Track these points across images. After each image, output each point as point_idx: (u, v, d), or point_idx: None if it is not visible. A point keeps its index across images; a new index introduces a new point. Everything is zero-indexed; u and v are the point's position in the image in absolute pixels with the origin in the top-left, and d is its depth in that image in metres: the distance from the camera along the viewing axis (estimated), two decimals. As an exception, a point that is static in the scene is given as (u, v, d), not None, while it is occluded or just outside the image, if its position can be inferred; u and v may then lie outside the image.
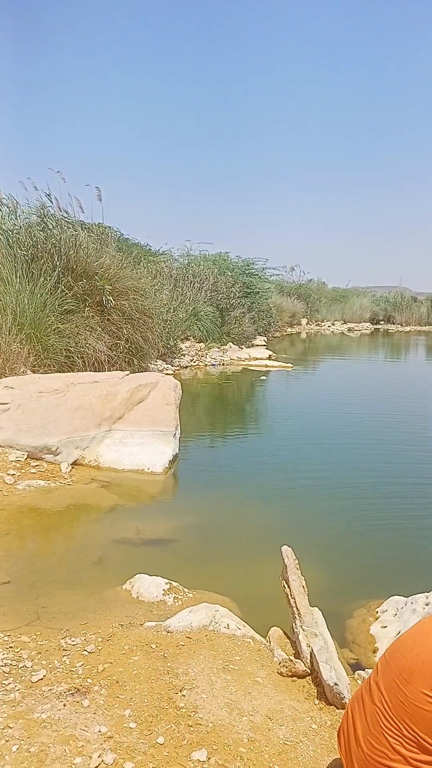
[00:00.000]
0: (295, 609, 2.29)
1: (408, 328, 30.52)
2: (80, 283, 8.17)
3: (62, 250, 8.18)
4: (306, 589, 2.38)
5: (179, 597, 2.85)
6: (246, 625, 2.50)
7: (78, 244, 8.47)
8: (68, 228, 8.57)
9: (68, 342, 7.46)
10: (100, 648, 2.29)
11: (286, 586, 2.39)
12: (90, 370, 7.32)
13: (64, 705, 1.92)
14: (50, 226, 8.42)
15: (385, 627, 2.57)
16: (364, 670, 2.30)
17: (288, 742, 1.80)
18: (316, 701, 2.02)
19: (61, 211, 9.02)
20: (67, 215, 9.10)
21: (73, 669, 2.15)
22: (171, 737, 1.77)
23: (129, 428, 5.31)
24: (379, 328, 29.91)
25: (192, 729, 1.81)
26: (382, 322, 31.98)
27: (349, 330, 27.32)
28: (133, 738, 1.76)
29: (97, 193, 9.66)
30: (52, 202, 8.92)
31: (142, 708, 1.90)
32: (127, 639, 2.36)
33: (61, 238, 8.22)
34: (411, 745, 1.33)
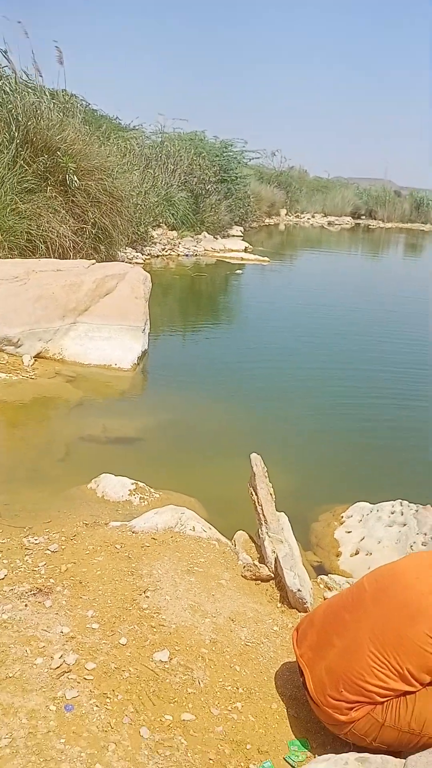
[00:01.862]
0: (261, 516, 2.28)
1: (389, 225, 29.59)
2: (41, 158, 7.36)
3: (21, 119, 7.23)
4: (273, 497, 2.37)
5: (145, 497, 2.83)
6: (212, 527, 2.50)
7: (39, 113, 7.49)
8: (28, 93, 7.53)
9: (29, 224, 6.87)
10: (63, 547, 2.26)
11: (253, 493, 2.37)
12: (54, 257, 6.83)
13: (26, 605, 1.89)
14: (7, 90, 7.37)
15: (349, 532, 2.62)
16: (327, 575, 2.36)
17: (249, 644, 1.84)
18: (279, 604, 2.06)
19: (18, 72, 7.87)
20: (27, 78, 7.97)
21: (35, 569, 2.11)
22: (133, 638, 1.78)
23: (95, 321, 5.05)
24: (360, 224, 28.91)
25: (155, 630, 1.82)
26: (364, 217, 30.81)
27: (330, 224, 26.31)
28: (96, 638, 1.76)
29: (57, 54, 8.41)
30: (9, 60, 7.73)
31: (105, 609, 1.90)
32: (92, 539, 2.33)
33: (19, 105, 7.23)
34: (393, 673, 1.36)
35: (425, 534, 2.35)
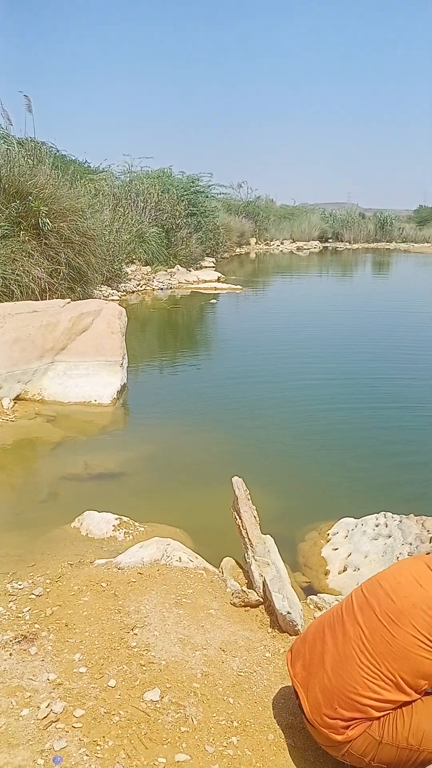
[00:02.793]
0: (246, 540, 2.25)
1: (356, 246, 30.33)
2: (13, 204, 7.47)
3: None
4: (258, 519, 2.34)
5: (130, 532, 2.78)
6: (198, 556, 2.46)
7: (10, 161, 7.64)
8: (-1, 143, 7.68)
9: (3, 270, 6.91)
10: (48, 590, 2.20)
11: (237, 517, 2.34)
12: (30, 300, 6.85)
13: (10, 654, 1.83)
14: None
15: (336, 549, 2.60)
16: (316, 595, 2.32)
17: (242, 673, 1.79)
18: (269, 630, 2.02)
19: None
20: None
21: (19, 615, 2.05)
22: (123, 679, 1.73)
23: (73, 359, 5.05)
24: (327, 246, 29.56)
25: (144, 668, 1.77)
26: (331, 240, 31.54)
27: (298, 249, 26.84)
28: (84, 683, 1.71)
29: (26, 102, 8.62)
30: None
31: (93, 651, 1.84)
32: (77, 579, 2.28)
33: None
34: (387, 683, 1.33)
35: (410, 544, 2.34)
